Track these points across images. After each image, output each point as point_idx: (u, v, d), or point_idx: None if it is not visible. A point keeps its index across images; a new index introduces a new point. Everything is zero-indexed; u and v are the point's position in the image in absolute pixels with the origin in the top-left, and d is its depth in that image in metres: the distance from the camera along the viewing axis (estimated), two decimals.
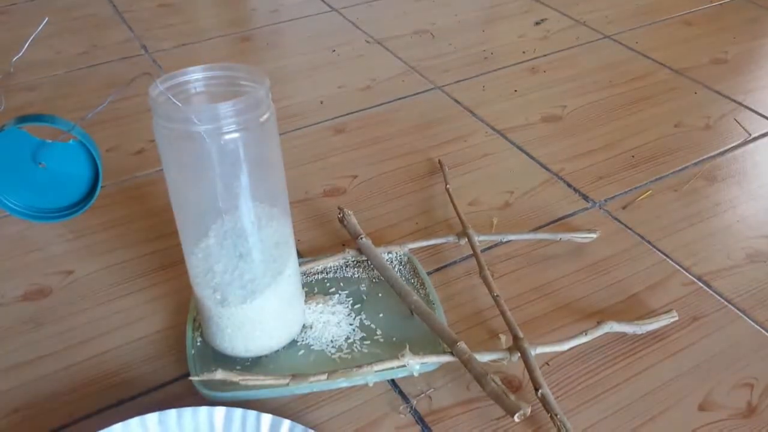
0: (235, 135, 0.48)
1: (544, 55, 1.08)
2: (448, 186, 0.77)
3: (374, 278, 0.67)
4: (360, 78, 1.02)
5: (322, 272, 0.68)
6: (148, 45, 1.13)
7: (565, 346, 0.59)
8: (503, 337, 0.61)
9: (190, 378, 0.56)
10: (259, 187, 0.52)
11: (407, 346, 0.56)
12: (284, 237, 0.56)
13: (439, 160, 0.83)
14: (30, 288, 0.68)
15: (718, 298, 0.66)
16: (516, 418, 0.52)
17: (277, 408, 0.57)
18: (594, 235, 0.71)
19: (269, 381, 0.55)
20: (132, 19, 1.21)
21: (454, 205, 0.74)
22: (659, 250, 0.71)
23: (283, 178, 0.55)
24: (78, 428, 0.56)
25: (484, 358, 0.57)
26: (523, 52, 1.09)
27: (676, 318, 0.62)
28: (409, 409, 0.57)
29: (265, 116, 0.49)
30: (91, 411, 0.57)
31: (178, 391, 0.58)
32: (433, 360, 0.57)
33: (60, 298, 0.67)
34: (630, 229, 0.74)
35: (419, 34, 1.15)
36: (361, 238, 0.67)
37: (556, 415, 0.53)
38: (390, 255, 0.68)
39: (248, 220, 0.52)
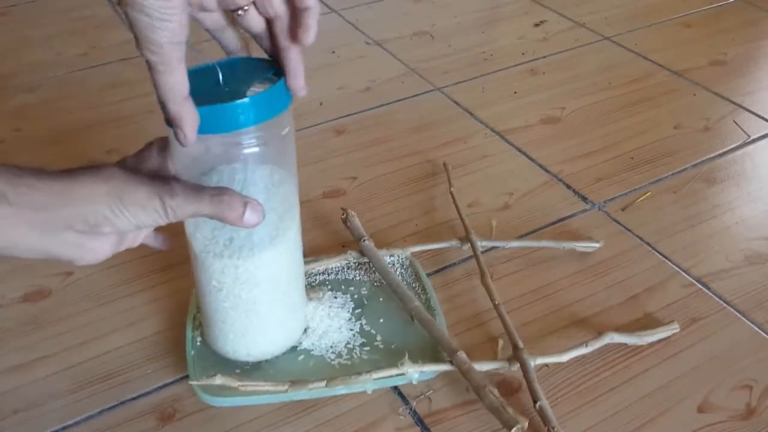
0: (255, 149, 0.46)
1: (544, 57, 1.08)
2: (452, 189, 0.77)
3: (375, 281, 0.67)
4: (360, 79, 1.02)
5: (323, 273, 0.68)
6: None
7: (565, 358, 0.59)
8: (501, 342, 0.61)
9: (190, 382, 0.56)
10: (274, 196, 0.51)
11: (406, 355, 0.56)
12: (295, 243, 0.56)
13: (444, 163, 0.83)
14: (30, 289, 0.68)
15: (717, 299, 0.66)
16: None
17: (276, 409, 0.57)
18: (597, 245, 0.71)
19: (268, 387, 0.55)
20: None
21: (457, 208, 0.73)
22: (658, 252, 0.72)
23: (296, 189, 0.53)
24: (78, 429, 0.56)
25: (483, 367, 0.57)
26: (523, 54, 1.09)
27: (677, 330, 0.62)
28: (408, 411, 0.57)
29: (286, 130, 0.48)
30: (92, 412, 0.57)
31: (178, 392, 0.58)
32: (432, 369, 0.57)
33: (60, 300, 0.67)
34: (629, 230, 0.74)
35: (419, 35, 1.15)
36: (364, 240, 0.67)
37: (553, 428, 0.53)
38: (392, 258, 0.68)
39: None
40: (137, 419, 0.56)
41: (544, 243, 0.72)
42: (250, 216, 0.45)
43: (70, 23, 1.20)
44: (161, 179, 0.44)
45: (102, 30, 1.18)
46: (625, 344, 0.61)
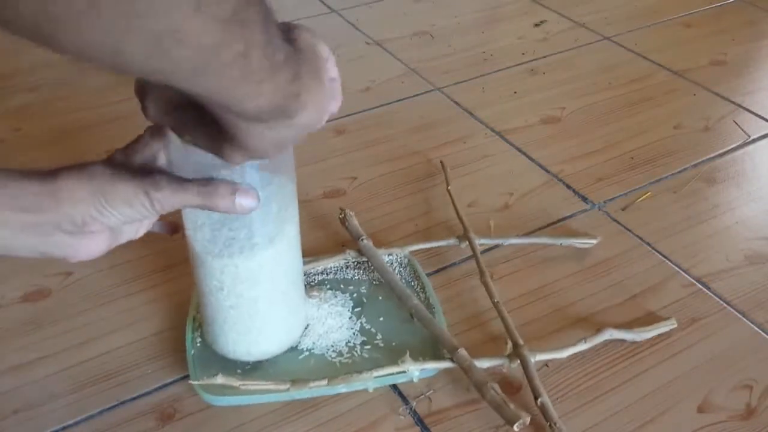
0: (255, 161, 0.46)
1: (544, 57, 1.08)
2: (449, 188, 0.77)
3: (374, 280, 0.67)
4: (359, 79, 1.02)
5: (322, 273, 0.68)
6: None
7: (565, 354, 0.59)
8: (510, 343, 0.61)
9: (191, 382, 0.55)
10: (272, 197, 0.51)
11: (407, 353, 0.56)
12: (295, 242, 0.56)
13: (441, 162, 0.83)
14: (30, 289, 0.68)
15: (717, 299, 0.66)
16: (515, 428, 0.52)
17: (277, 409, 0.57)
18: (594, 241, 0.71)
19: (270, 386, 0.55)
20: None
21: (455, 207, 0.74)
22: (658, 252, 0.72)
23: (294, 189, 0.53)
24: (78, 429, 0.56)
25: (484, 364, 0.57)
26: (523, 54, 1.09)
27: (675, 325, 0.63)
28: (408, 411, 0.57)
29: None
30: (92, 412, 0.57)
31: (178, 392, 0.58)
32: (433, 366, 0.57)
33: (59, 300, 0.67)
34: (629, 230, 0.74)
35: (419, 35, 1.15)
36: (363, 240, 0.67)
37: (554, 423, 0.53)
38: (390, 257, 0.68)
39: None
40: (137, 419, 0.56)
41: (542, 239, 0.72)
42: (242, 201, 0.44)
43: None
44: (146, 173, 0.44)
45: None
46: (625, 344, 0.61)
